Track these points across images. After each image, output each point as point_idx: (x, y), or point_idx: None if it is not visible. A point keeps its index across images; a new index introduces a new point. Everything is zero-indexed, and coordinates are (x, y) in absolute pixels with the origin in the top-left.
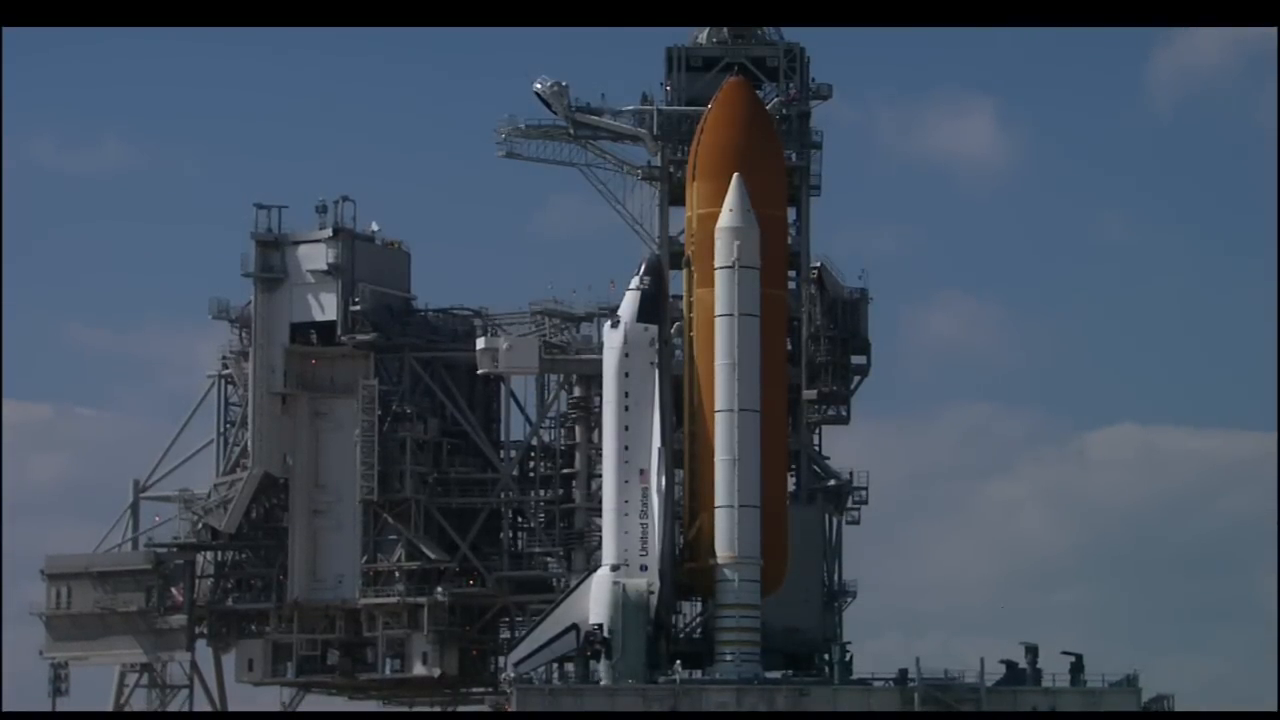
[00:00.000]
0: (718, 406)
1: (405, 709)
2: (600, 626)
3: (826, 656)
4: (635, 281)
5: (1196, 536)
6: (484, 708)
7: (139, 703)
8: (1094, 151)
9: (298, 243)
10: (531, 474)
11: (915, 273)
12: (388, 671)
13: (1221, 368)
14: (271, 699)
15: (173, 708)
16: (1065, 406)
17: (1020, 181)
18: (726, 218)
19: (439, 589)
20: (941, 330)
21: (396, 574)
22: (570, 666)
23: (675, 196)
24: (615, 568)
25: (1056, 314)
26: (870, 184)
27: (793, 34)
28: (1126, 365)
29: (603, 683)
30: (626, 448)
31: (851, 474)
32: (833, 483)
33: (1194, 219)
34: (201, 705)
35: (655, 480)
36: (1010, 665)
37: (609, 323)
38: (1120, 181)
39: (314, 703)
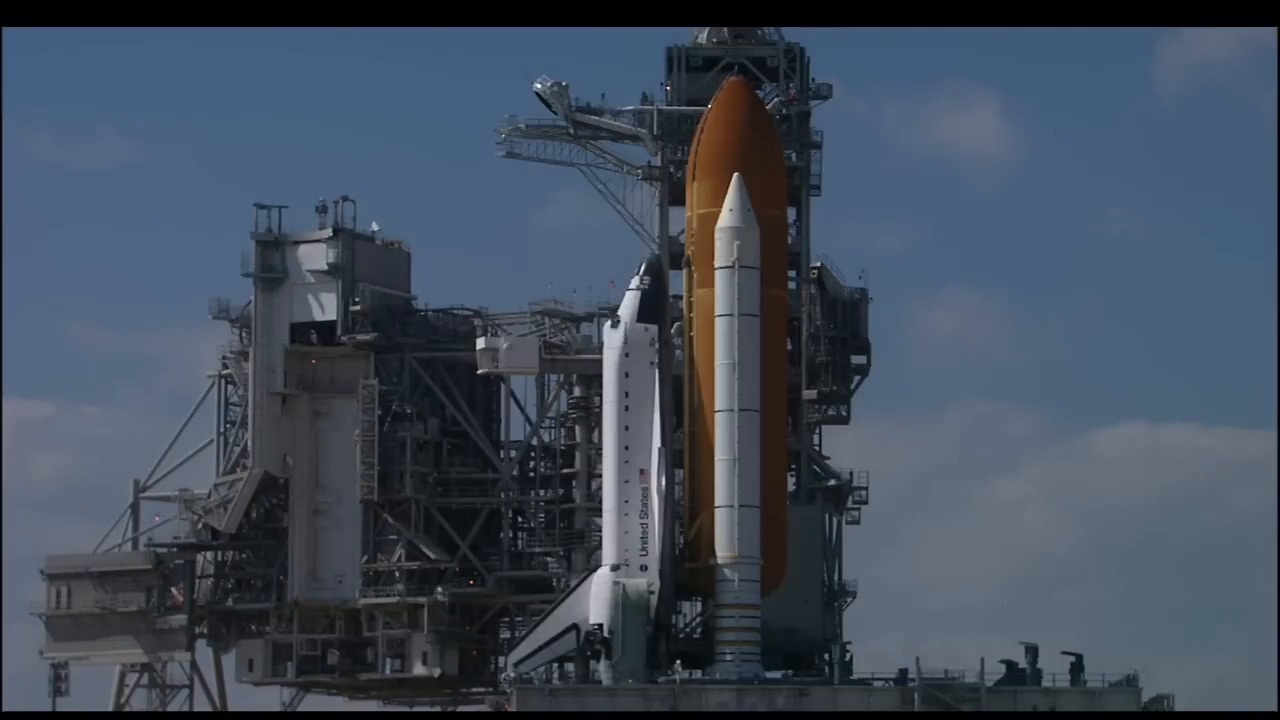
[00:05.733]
0: (718, 406)
1: (405, 709)
2: (600, 626)
3: (826, 656)
4: (635, 281)
5: (1200, 535)
6: (484, 708)
7: (139, 703)
8: (1099, 146)
9: (298, 243)
10: (531, 474)
11: (919, 269)
12: (388, 671)
13: (1229, 365)
14: (271, 699)
15: (173, 708)
16: (1070, 404)
17: (1025, 176)
18: (726, 218)
19: (439, 589)
20: (945, 327)
21: (396, 574)
22: (570, 666)
23: (675, 196)
24: (615, 568)
25: (1061, 310)
26: (873, 180)
27: (793, 34)
28: (1132, 362)
29: (603, 683)
30: (626, 448)
31: (851, 474)
32: (833, 483)
33: (1201, 214)
34: (201, 705)
35: (655, 480)
36: (1010, 665)
37: (609, 323)
38: (1126, 176)
39: (314, 703)
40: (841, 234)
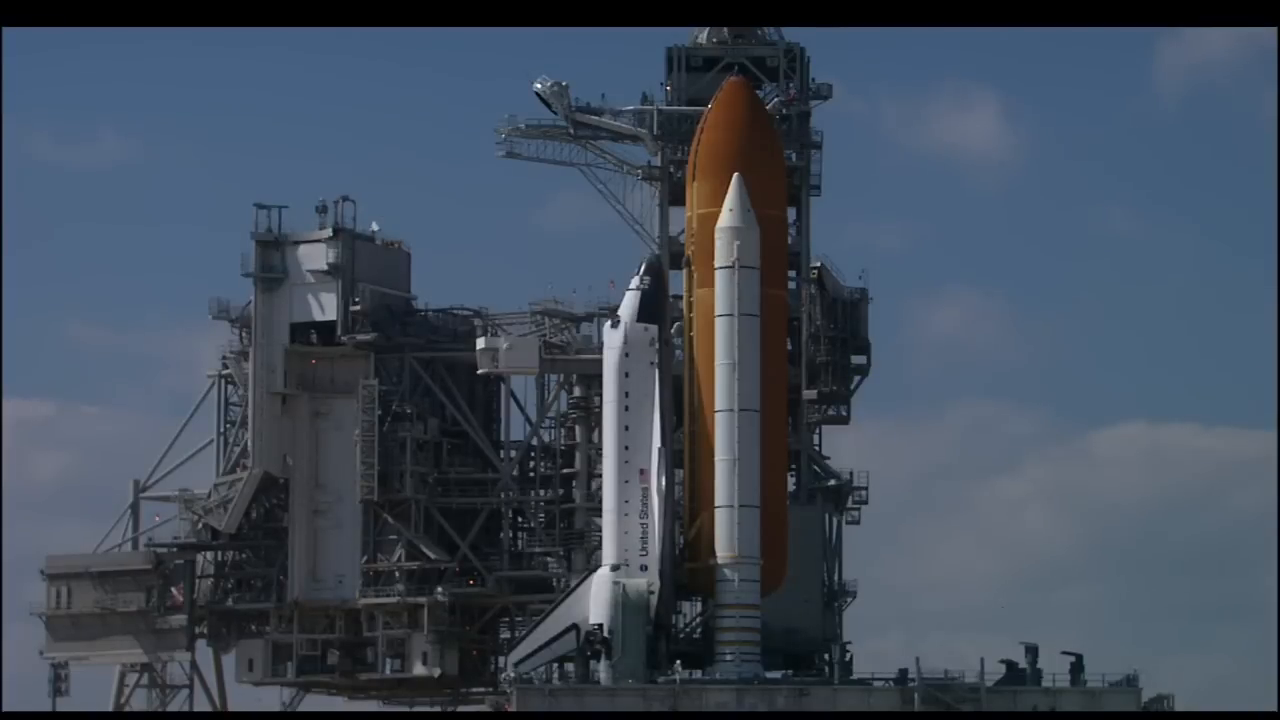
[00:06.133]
0: (718, 406)
1: (405, 709)
2: (600, 626)
3: (826, 656)
4: (635, 281)
5: (1200, 535)
6: (484, 708)
7: (139, 703)
8: (1099, 146)
9: (298, 243)
10: (531, 474)
11: (919, 269)
12: (388, 671)
13: (1229, 365)
14: (271, 699)
15: (173, 708)
16: (1070, 404)
17: (1025, 176)
18: (726, 218)
19: (439, 589)
20: (945, 327)
21: (396, 574)
22: (570, 666)
23: (675, 196)
24: (615, 568)
25: (1061, 310)
26: (873, 180)
27: (793, 34)
28: (1132, 362)
29: (603, 683)
30: (626, 448)
31: (851, 474)
32: (833, 483)
33: (1201, 214)
34: (201, 705)
35: (655, 480)
36: (1010, 665)
37: (609, 323)
38: (1126, 176)
39: (314, 703)
40: (841, 234)
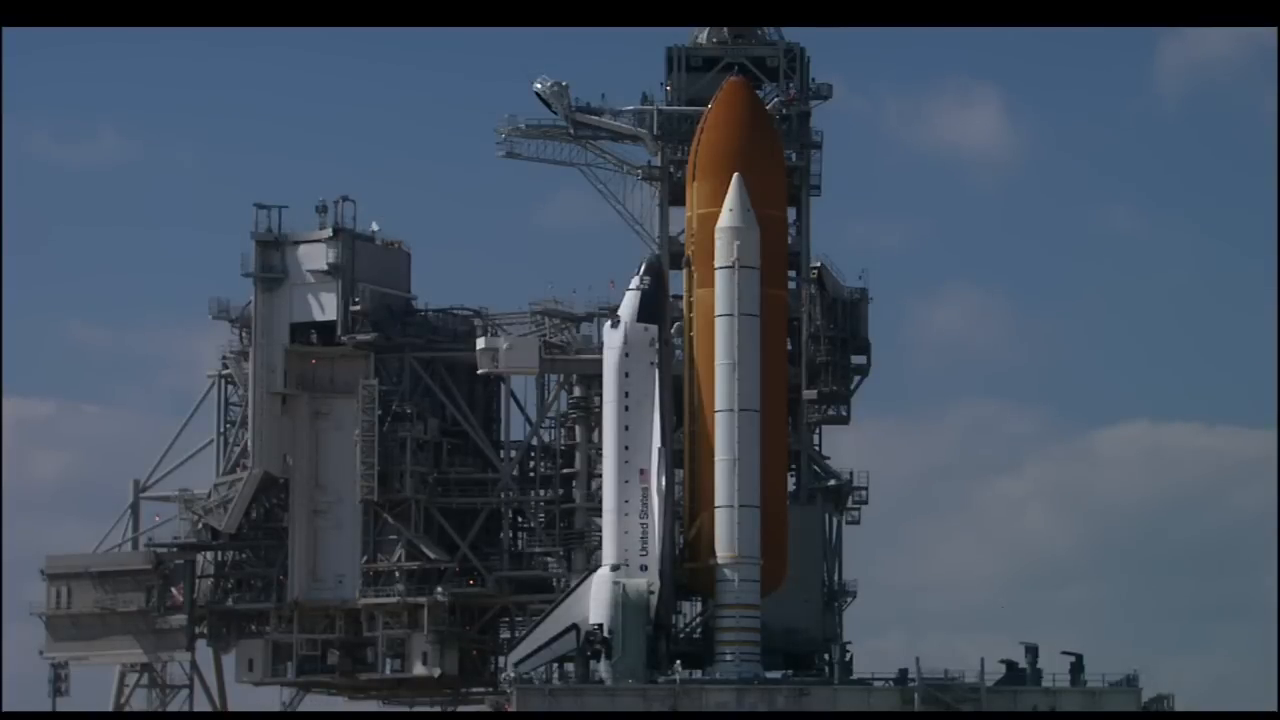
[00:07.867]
0: (718, 406)
1: (405, 709)
2: (600, 626)
3: (826, 656)
4: (635, 281)
5: (1201, 535)
6: (484, 708)
7: (139, 703)
8: (1101, 145)
9: (298, 243)
10: (531, 474)
11: (919, 268)
12: (388, 671)
13: (1231, 364)
14: (271, 699)
15: (173, 708)
16: (1072, 404)
17: (1026, 175)
18: (726, 218)
19: (439, 589)
20: (946, 326)
21: (396, 574)
22: (570, 666)
23: (675, 196)
24: (615, 568)
25: (1062, 309)
26: (874, 179)
27: (793, 34)
28: (1134, 361)
29: (603, 683)
30: (626, 448)
31: (852, 474)
32: (833, 483)
33: (1202, 213)
34: (201, 705)
35: (655, 480)
36: (1010, 665)
37: (609, 323)
38: (1127, 175)
39: (314, 703)
40: (841, 234)
